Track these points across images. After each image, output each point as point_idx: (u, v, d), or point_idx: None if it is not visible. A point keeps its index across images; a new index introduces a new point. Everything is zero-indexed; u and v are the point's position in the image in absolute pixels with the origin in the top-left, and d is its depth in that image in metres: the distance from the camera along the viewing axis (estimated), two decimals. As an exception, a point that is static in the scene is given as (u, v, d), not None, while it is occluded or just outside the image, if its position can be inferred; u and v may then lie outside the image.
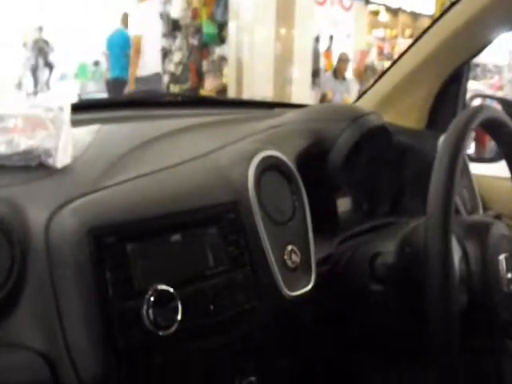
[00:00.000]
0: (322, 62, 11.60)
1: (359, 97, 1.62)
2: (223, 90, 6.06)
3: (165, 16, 8.10)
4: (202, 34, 6.67)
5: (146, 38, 5.38)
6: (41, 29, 13.12)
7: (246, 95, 5.64)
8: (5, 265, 0.65)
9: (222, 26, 6.39)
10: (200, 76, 6.74)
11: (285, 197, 0.89)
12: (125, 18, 7.21)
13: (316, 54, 12.44)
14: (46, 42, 13.35)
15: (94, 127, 1.01)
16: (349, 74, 9.82)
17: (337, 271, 0.95)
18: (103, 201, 0.73)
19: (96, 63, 14.31)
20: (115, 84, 6.95)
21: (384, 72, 1.56)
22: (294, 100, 5.90)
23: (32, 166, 0.81)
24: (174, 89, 7.28)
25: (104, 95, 12.69)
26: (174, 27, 7.67)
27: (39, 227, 0.68)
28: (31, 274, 0.66)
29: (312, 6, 6.26)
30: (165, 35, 8.09)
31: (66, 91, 13.72)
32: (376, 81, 1.57)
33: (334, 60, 11.96)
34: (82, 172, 0.80)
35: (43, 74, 13.16)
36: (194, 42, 7.03)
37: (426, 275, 0.71)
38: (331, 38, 13.43)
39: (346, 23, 13.73)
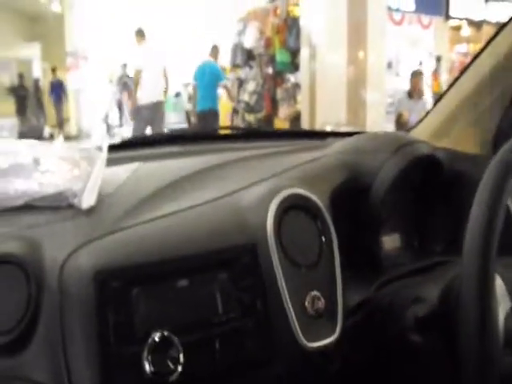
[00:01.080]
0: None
1: (419, 121, 1.55)
2: (297, 117, 6.06)
3: (239, 46, 8.27)
4: (276, 62, 6.72)
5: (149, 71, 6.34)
6: (125, 65, 13.76)
7: (320, 121, 5.59)
8: (22, 302, 0.66)
9: (295, 54, 6.41)
10: (274, 104, 6.78)
11: (311, 238, 0.82)
12: (215, 50, 7.40)
13: (415, 74, 12.15)
14: (130, 78, 13.98)
15: (133, 165, 1.02)
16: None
17: (371, 319, 0.85)
18: (115, 244, 0.72)
19: (177, 94, 14.82)
20: (207, 115, 7.11)
21: (443, 94, 1.49)
22: (370, 124, 5.80)
23: (61, 206, 0.82)
24: (249, 118, 7.37)
25: (184, 126, 13.17)
26: (248, 57, 7.80)
27: (55, 267, 0.69)
28: (45, 312, 0.67)
29: (384, 27, 6.14)
30: (239, 65, 8.27)
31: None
32: (434, 104, 1.50)
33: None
34: (104, 213, 0.80)
35: (128, 106, 13.76)
36: (268, 70, 7.10)
37: (461, 333, 0.62)
38: (438, 58, 13.09)
39: (426, 41, 13.41)
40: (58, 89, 13.02)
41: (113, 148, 1.05)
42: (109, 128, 13.14)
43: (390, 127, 6.85)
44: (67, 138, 12.05)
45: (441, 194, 1.07)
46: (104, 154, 0.92)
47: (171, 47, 15.60)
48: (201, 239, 0.76)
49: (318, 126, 5.59)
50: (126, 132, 13.30)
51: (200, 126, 7.16)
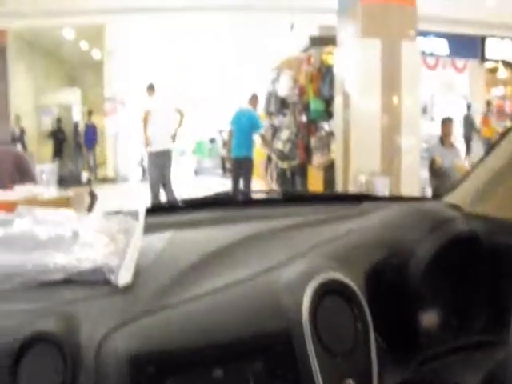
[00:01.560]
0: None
1: (456, 184, 1.52)
2: (331, 165, 6.05)
3: (273, 94, 8.39)
4: (310, 110, 6.77)
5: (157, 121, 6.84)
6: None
7: (354, 170, 5.57)
8: (58, 381, 0.67)
9: (328, 102, 6.45)
10: (308, 152, 6.80)
11: (346, 324, 0.80)
12: (254, 99, 7.50)
13: (467, 119, 12.09)
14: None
15: (168, 234, 1.02)
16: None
17: None
18: (151, 327, 0.73)
19: (212, 140, 15.07)
20: (241, 163, 7.17)
21: (482, 158, 1.46)
22: (404, 172, 5.75)
23: (98, 281, 0.83)
24: (283, 165, 7.40)
25: (219, 171, 13.33)
26: (282, 105, 7.89)
27: (92, 347, 0.70)
28: None
29: (418, 73, 6.13)
30: (273, 113, 8.38)
31: (183, 167, 14.48)
32: (474, 167, 1.47)
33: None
34: (141, 290, 0.81)
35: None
36: (302, 118, 7.15)
37: None
38: (488, 103, 13.00)
39: (461, 84, 13.36)
40: (91, 132, 13.37)
41: (149, 211, 1.06)
42: (144, 171, 13.35)
43: (424, 173, 6.79)
44: (104, 180, 12.28)
45: (481, 269, 1.04)
46: (140, 225, 0.92)
47: (208, 94, 16.00)
48: (237, 324, 0.75)
49: (352, 175, 5.57)
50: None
51: (234, 172, 7.31)
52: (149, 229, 0.98)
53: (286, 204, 1.32)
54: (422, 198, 1.60)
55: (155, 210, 1.22)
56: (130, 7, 12.08)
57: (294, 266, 0.86)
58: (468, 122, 12.71)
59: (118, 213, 1.10)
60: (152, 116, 7.00)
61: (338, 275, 0.82)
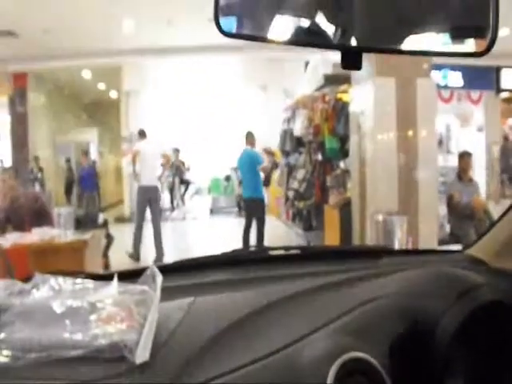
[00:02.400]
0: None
1: (479, 237, 1.48)
2: (347, 204, 6.02)
3: (288, 133, 8.44)
4: (325, 149, 6.78)
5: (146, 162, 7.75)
6: (177, 150, 14.23)
7: (370, 209, 5.53)
8: None
9: (344, 140, 6.46)
10: (324, 191, 6.78)
11: None
12: (249, 137, 7.53)
13: (463, 156, 11.91)
14: (182, 163, 14.43)
15: (187, 300, 1.00)
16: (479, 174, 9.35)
17: None
18: None
19: (227, 178, 15.13)
20: (251, 203, 7.27)
21: (507, 210, 1.43)
22: (422, 209, 5.70)
23: (114, 358, 0.80)
24: (299, 205, 7.39)
25: (235, 209, 13.36)
26: (297, 143, 7.92)
27: None
28: None
29: (433, 108, 6.13)
30: (289, 152, 8.41)
31: (199, 206, 14.53)
32: (497, 219, 1.43)
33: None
34: (159, 368, 0.79)
35: (179, 190, 14.11)
36: (318, 157, 7.16)
37: None
38: (506, 137, 12.93)
39: (476, 116, 13.32)
40: (88, 175, 13.38)
41: (166, 271, 1.04)
42: (161, 211, 13.42)
43: (442, 208, 6.71)
44: (120, 220, 12.33)
45: (509, 337, 0.99)
46: (157, 297, 0.90)
47: (223, 131, 16.16)
48: None
49: (368, 213, 5.53)
50: (177, 215, 13.57)
51: (245, 213, 7.52)
52: (166, 294, 0.96)
53: (305, 261, 1.29)
54: (444, 251, 1.56)
55: (171, 269, 1.20)
56: (147, 48, 12.34)
57: (316, 342, 0.84)
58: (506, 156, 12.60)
59: (133, 273, 1.08)
60: (141, 156, 7.90)
61: (362, 354, 0.79)
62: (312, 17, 0.70)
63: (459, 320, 0.89)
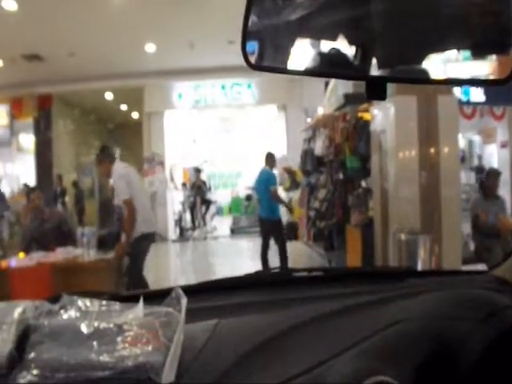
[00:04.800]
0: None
1: (505, 257, 1.46)
2: (369, 223, 5.98)
3: (309, 153, 8.44)
4: (346, 168, 6.76)
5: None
6: (198, 170, 14.32)
7: (393, 228, 5.48)
8: None
9: (365, 159, 6.43)
10: (345, 210, 6.75)
11: None
12: (269, 159, 7.62)
13: (490, 174, 11.70)
14: (204, 183, 14.51)
15: (211, 322, 1.00)
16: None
17: None
18: None
19: (248, 198, 15.15)
20: (268, 223, 7.34)
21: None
22: (445, 228, 5.63)
23: (140, 380, 0.81)
24: (320, 225, 7.35)
25: (256, 229, 13.33)
26: (318, 163, 7.91)
27: None
28: None
29: (455, 125, 6.08)
30: (310, 172, 8.40)
31: (220, 225, 14.55)
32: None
33: None
34: None
35: (201, 210, 14.16)
36: (339, 176, 7.15)
37: None
38: None
39: (500, 132, 13.14)
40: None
41: (190, 292, 1.05)
42: (182, 231, 13.48)
43: (465, 226, 6.61)
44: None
45: None
46: (182, 318, 0.91)
47: (244, 150, 16.22)
48: None
49: (391, 233, 5.48)
50: (198, 235, 13.60)
51: (262, 233, 7.50)
52: (191, 316, 0.96)
53: (328, 283, 1.29)
54: (469, 272, 1.54)
55: (196, 290, 1.21)
56: (169, 70, 12.51)
57: (340, 365, 0.83)
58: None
59: (158, 294, 1.09)
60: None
61: (387, 378, 0.79)
62: (337, 48, 0.71)
63: (485, 343, 0.88)
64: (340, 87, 7.70)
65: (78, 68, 11.88)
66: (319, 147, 7.83)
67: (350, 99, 7.12)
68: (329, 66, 0.72)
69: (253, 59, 0.72)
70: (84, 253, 4.86)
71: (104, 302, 0.98)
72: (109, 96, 15.16)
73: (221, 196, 16.35)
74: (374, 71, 0.70)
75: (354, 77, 0.76)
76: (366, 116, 6.62)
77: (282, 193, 9.36)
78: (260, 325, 1.00)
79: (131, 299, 1.01)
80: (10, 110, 14.32)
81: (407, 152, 5.66)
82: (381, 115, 5.94)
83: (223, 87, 13.58)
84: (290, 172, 9.89)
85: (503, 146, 13.02)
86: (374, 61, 0.70)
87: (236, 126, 16.59)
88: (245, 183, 15.82)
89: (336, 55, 0.71)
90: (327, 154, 7.51)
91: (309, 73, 0.75)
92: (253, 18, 0.71)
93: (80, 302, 0.97)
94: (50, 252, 4.93)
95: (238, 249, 12.06)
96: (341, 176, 7.09)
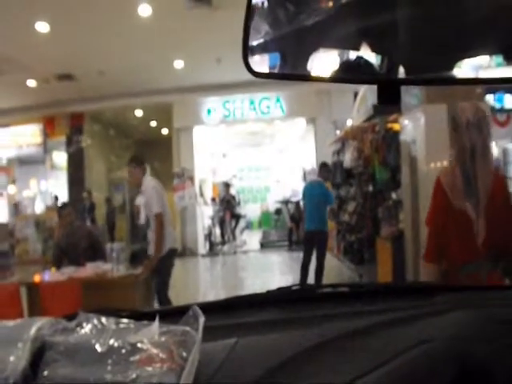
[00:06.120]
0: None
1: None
2: (400, 236, 5.87)
3: (338, 165, 8.37)
4: (376, 180, 6.67)
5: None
6: (228, 185, 14.36)
7: (424, 240, 5.37)
8: None
9: (395, 171, 6.34)
10: (375, 223, 6.65)
11: None
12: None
13: None
14: (233, 197, 14.54)
15: (230, 341, 0.97)
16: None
17: None
18: None
19: (278, 211, 15.12)
20: (314, 235, 7.17)
21: None
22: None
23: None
24: (350, 238, 7.26)
25: (285, 243, 13.29)
26: (347, 175, 7.84)
27: None
28: None
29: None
30: (340, 185, 8.33)
31: (250, 240, 14.52)
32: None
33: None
34: None
35: (230, 224, 14.17)
36: (368, 189, 7.05)
37: None
38: None
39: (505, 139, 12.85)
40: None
41: (209, 310, 1.01)
42: (212, 245, 13.49)
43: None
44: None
45: None
46: (199, 338, 0.88)
47: (273, 163, 16.21)
48: None
49: (422, 245, 5.37)
50: (228, 250, 13.61)
51: (306, 245, 7.27)
52: (209, 334, 0.93)
53: (353, 300, 1.24)
54: (503, 287, 1.48)
55: (216, 308, 1.18)
56: (197, 85, 12.62)
57: None
58: None
59: (176, 311, 1.06)
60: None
61: None
62: (346, 52, 0.68)
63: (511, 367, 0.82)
64: (369, 98, 7.63)
65: (107, 86, 12.09)
66: (348, 159, 7.76)
67: (378, 110, 7.05)
68: (338, 71, 0.69)
69: (257, 67, 0.70)
70: (113, 268, 4.88)
71: (120, 320, 0.96)
72: (139, 113, 15.36)
73: (250, 210, 16.36)
74: (386, 75, 0.67)
75: (365, 81, 0.72)
76: (396, 126, 6.54)
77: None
78: (280, 344, 0.97)
79: (150, 317, 0.98)
80: (44, 129, 14.67)
81: (438, 162, 5.56)
82: (410, 125, 5.86)
83: (252, 102, 13.63)
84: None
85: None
86: (386, 64, 0.67)
87: (265, 141, 16.63)
88: (274, 197, 15.81)
89: (345, 59, 0.68)
90: (356, 166, 7.43)
91: (316, 78, 0.72)
92: (254, 25, 0.68)
93: (96, 320, 0.95)
94: (80, 267, 4.98)
95: (267, 263, 12.01)
96: (370, 188, 7.00)
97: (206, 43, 9.70)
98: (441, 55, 0.68)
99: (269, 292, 1.26)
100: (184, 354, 0.84)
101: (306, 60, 0.69)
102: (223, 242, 13.93)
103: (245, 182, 16.61)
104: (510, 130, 12.67)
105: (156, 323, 0.91)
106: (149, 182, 5.45)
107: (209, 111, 13.78)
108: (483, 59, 0.69)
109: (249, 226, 16.20)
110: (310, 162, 13.38)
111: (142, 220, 5.60)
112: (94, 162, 14.93)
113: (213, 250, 13.41)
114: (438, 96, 5.51)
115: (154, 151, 18.09)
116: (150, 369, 0.81)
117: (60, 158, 15.08)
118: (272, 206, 15.87)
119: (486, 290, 1.41)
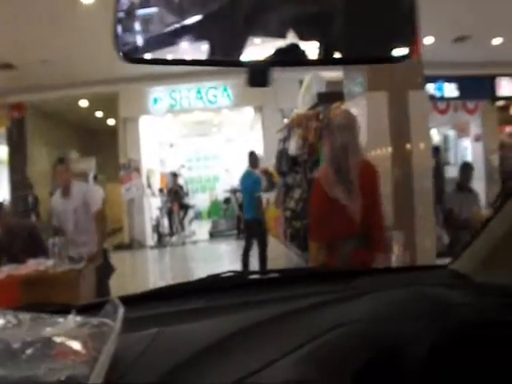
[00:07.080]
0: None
1: (462, 249, 1.44)
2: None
3: (283, 153, 8.42)
4: (320, 167, 6.72)
5: None
6: (175, 175, 14.24)
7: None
8: None
9: (339, 158, 6.41)
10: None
11: None
12: (252, 158, 7.69)
13: (465, 167, 11.72)
14: (181, 187, 14.43)
15: (152, 331, 0.97)
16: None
17: None
18: None
19: (226, 201, 15.11)
20: (252, 224, 7.42)
21: (489, 219, 1.39)
22: (418, 223, 5.65)
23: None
24: (296, 224, 7.33)
25: (234, 232, 13.29)
26: (293, 163, 7.88)
27: None
28: None
29: (427, 121, 6.10)
30: (286, 173, 8.38)
31: (199, 230, 14.47)
32: (478, 231, 1.40)
33: None
34: None
35: (178, 215, 14.07)
36: (313, 176, 7.11)
37: None
38: (503, 145, 12.84)
39: (473, 126, 13.28)
40: None
41: (131, 302, 1.00)
42: (160, 237, 13.37)
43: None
44: (120, 247, 12.28)
45: (492, 356, 0.94)
46: (116, 328, 0.87)
47: (221, 153, 16.15)
48: None
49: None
50: (176, 241, 13.53)
51: (246, 234, 7.61)
52: (130, 326, 0.92)
53: (282, 285, 1.26)
54: (427, 268, 1.53)
55: (138, 299, 1.17)
56: (142, 75, 12.40)
57: (271, 376, 0.79)
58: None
59: (96, 305, 1.04)
60: None
61: None
62: (215, 35, 0.68)
63: (434, 344, 0.84)
64: (314, 86, 7.70)
65: (50, 76, 11.73)
66: (293, 147, 7.80)
67: (323, 98, 7.13)
68: (207, 54, 0.69)
69: (126, 51, 0.69)
70: (55, 263, 4.77)
71: (38, 315, 0.94)
72: (84, 103, 14.99)
73: (199, 200, 16.29)
74: (255, 57, 0.68)
75: (233, 63, 0.73)
76: (339, 114, 6.60)
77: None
78: (202, 331, 0.97)
79: (69, 311, 0.96)
80: (-18, 121, 14.11)
81: (379, 148, 5.67)
82: (353, 112, 5.93)
83: (199, 91, 13.51)
84: (266, 173, 9.87)
85: (476, 139, 13.17)
86: (255, 47, 0.68)
87: (213, 130, 16.56)
88: (223, 187, 15.78)
89: (215, 42, 0.68)
90: (301, 154, 7.47)
91: (187, 62, 0.72)
92: (124, 7, 0.68)
93: (11, 315, 0.93)
94: (20, 264, 4.84)
95: (216, 253, 12.01)
96: (314, 175, 7.05)
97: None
98: (283, 37, 0.70)
99: (199, 280, 1.26)
100: (99, 346, 0.83)
101: (176, 44, 0.69)
102: (172, 233, 13.82)
103: (193, 171, 16.51)
104: (449, 118, 13.06)
105: (71, 316, 0.90)
106: (85, 184, 5.53)
107: (155, 101, 13.58)
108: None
109: (198, 216, 16.13)
110: (258, 151, 13.40)
111: (70, 226, 5.48)
112: (38, 154, 14.49)
113: (161, 242, 13.28)
114: (380, 84, 5.61)
115: (101, 142, 17.74)
116: (63, 362, 0.80)
117: (0, 151, 14.58)
118: (221, 196, 15.84)
119: (410, 271, 1.45)
